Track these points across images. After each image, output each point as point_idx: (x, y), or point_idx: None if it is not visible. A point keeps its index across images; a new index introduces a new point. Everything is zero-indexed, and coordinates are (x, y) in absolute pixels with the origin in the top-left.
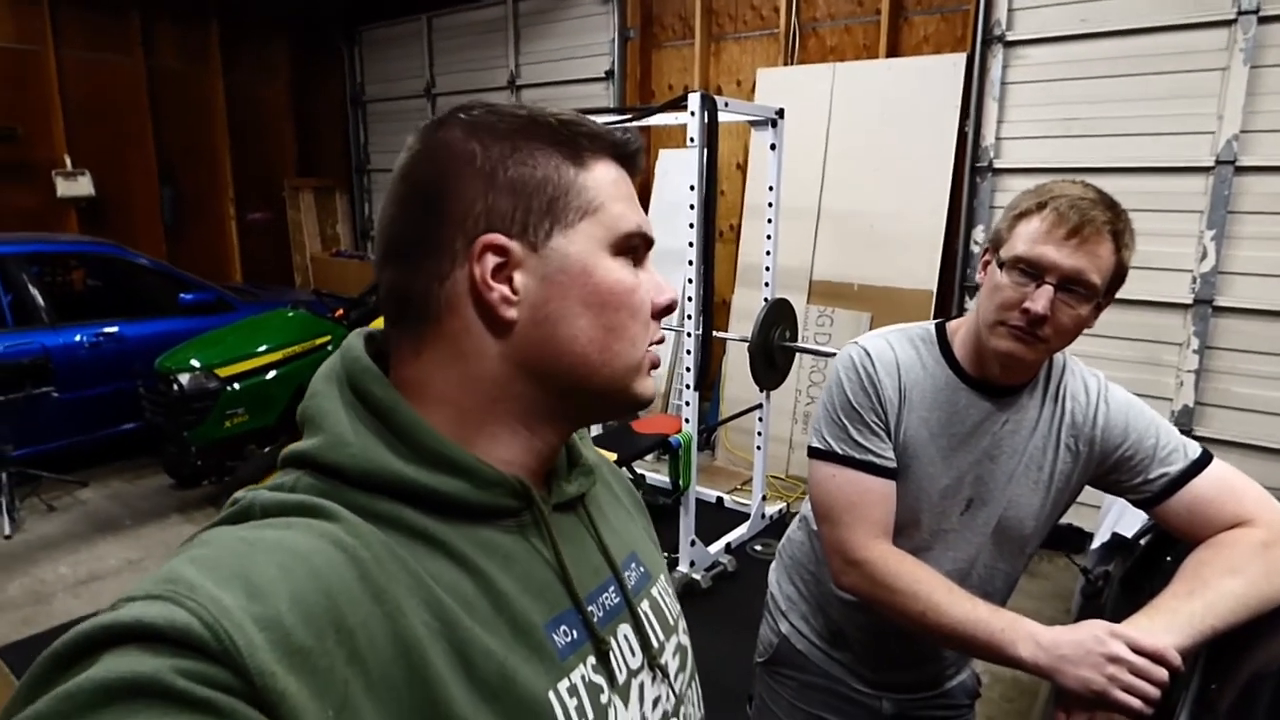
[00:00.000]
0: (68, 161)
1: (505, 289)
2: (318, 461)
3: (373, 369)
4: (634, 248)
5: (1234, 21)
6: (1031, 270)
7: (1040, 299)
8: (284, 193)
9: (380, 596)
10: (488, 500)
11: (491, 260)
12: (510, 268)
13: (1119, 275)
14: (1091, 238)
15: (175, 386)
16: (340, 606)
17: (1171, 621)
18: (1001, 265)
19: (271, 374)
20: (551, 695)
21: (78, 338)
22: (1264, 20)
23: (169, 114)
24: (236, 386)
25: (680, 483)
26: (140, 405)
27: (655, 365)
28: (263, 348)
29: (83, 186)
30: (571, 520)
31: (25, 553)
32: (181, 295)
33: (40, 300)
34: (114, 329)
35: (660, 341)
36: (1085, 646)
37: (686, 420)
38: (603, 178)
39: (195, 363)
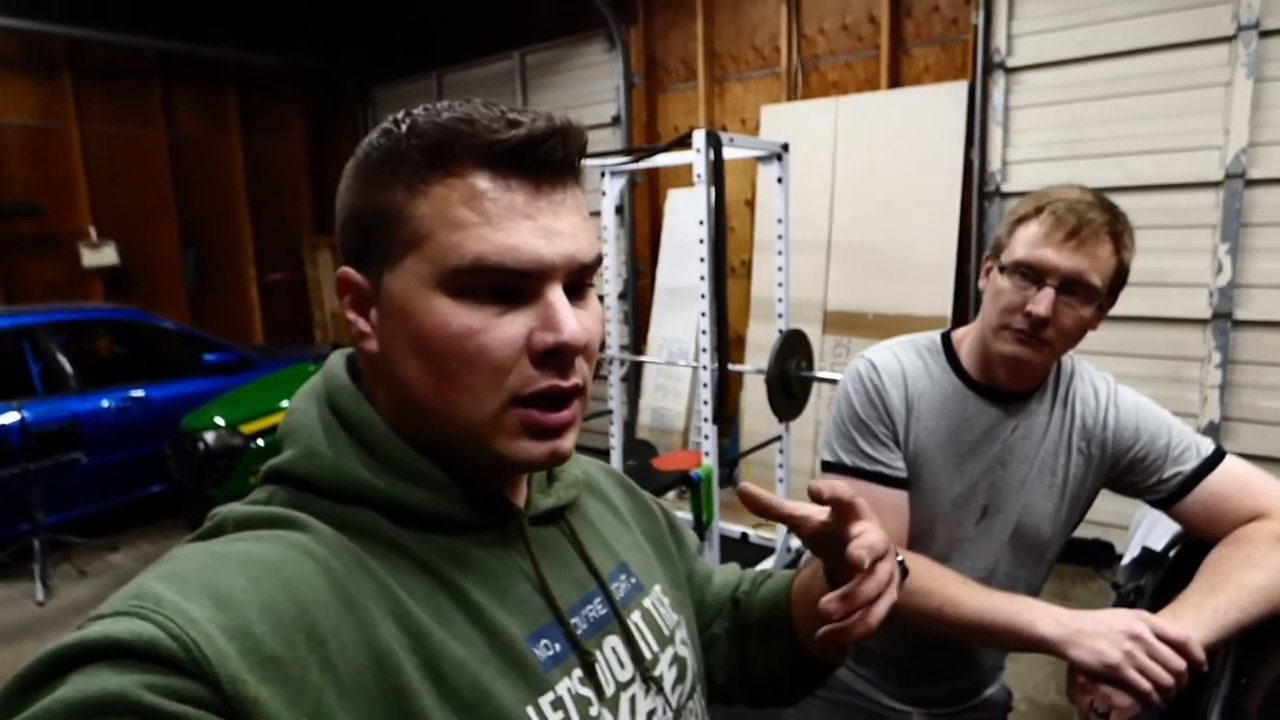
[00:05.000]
0: (92, 233)
1: (362, 321)
2: (292, 474)
3: (349, 385)
4: (476, 286)
5: (1234, 37)
6: (1032, 273)
7: (1042, 302)
8: (302, 251)
9: (352, 605)
10: (460, 513)
11: (348, 293)
12: (368, 301)
13: (1120, 276)
14: (1090, 239)
15: (200, 445)
16: (312, 615)
17: (1196, 617)
18: (1003, 270)
19: None
20: (530, 710)
21: (105, 403)
22: (1265, 34)
23: (189, 181)
24: (260, 443)
25: (703, 518)
26: (167, 466)
27: (541, 427)
28: (284, 403)
29: (107, 256)
30: (552, 533)
31: (58, 618)
32: (205, 356)
33: (68, 368)
34: (140, 393)
35: (565, 391)
36: (1107, 623)
37: (706, 454)
38: (444, 198)
39: (219, 421)
